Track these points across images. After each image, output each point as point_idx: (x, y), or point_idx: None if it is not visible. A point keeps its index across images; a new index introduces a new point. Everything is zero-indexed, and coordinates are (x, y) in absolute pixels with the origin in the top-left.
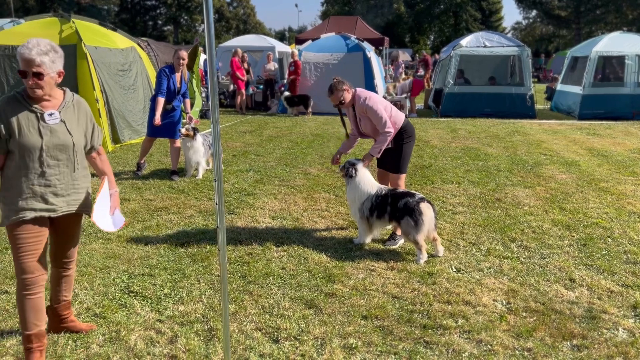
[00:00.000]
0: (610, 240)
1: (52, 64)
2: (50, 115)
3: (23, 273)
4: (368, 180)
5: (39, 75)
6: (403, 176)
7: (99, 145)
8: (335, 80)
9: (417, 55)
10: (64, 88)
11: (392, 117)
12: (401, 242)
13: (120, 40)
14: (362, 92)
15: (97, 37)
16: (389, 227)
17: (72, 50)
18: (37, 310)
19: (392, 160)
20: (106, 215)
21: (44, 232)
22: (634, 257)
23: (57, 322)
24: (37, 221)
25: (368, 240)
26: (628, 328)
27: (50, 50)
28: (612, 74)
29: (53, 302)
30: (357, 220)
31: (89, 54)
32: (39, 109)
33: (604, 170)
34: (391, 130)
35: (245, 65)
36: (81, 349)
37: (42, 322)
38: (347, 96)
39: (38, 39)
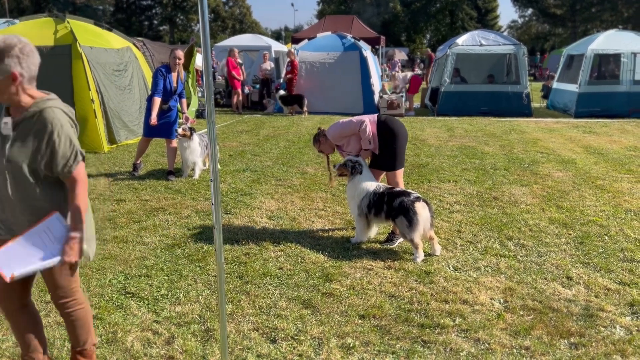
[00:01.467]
0: (607, 238)
1: None
2: (5, 124)
3: None
4: (368, 177)
5: None
6: (399, 172)
7: (67, 173)
8: (317, 131)
9: (417, 53)
10: (49, 95)
11: (360, 117)
12: (399, 241)
13: (115, 40)
14: (327, 130)
15: (93, 37)
16: (386, 225)
17: (67, 51)
18: (24, 334)
19: (384, 159)
20: (28, 253)
21: None
22: (630, 254)
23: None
24: None
25: (365, 238)
26: (625, 326)
27: None
28: (607, 72)
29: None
30: (355, 218)
31: (84, 54)
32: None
33: (601, 168)
34: (363, 119)
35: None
36: None
37: (32, 352)
38: (325, 147)
39: None
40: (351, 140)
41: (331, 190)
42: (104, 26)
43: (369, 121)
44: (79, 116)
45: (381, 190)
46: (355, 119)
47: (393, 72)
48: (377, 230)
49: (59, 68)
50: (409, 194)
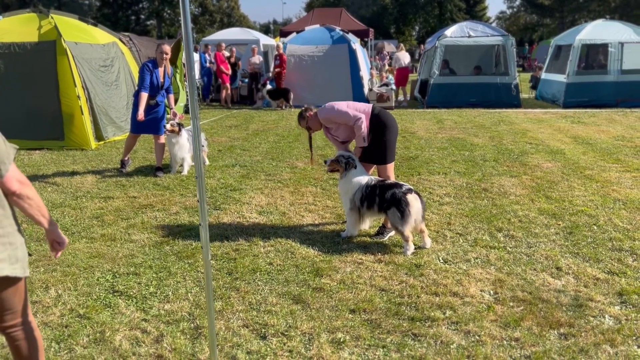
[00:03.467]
0: (595, 227)
1: None
2: None
3: None
4: (361, 172)
5: None
6: (390, 166)
7: None
8: (302, 108)
9: (407, 45)
10: None
11: (356, 109)
12: (390, 234)
13: (101, 36)
14: (320, 109)
15: (77, 32)
16: (378, 218)
17: (51, 47)
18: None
19: (375, 152)
20: None
21: None
22: (619, 244)
23: None
24: None
25: (356, 232)
26: (614, 315)
27: None
28: (595, 62)
29: None
30: (347, 212)
31: (69, 49)
32: None
33: (589, 158)
34: (360, 115)
35: (233, 59)
36: (65, 351)
37: None
38: (313, 123)
39: None
40: (340, 127)
41: (321, 184)
42: (89, 21)
43: (365, 116)
44: (65, 113)
45: (373, 183)
46: (352, 111)
47: (384, 62)
48: (369, 224)
49: (44, 64)
50: (400, 186)
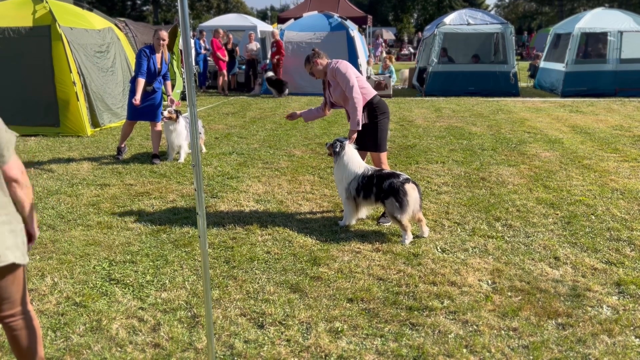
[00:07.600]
0: (593, 217)
1: None
2: None
3: None
4: (355, 160)
5: None
6: (384, 154)
7: None
8: (312, 51)
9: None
10: None
11: (362, 88)
12: (387, 224)
13: (96, 21)
14: (336, 60)
15: (73, 17)
16: (375, 207)
17: (46, 32)
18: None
19: (369, 139)
20: None
21: None
22: (617, 234)
23: None
24: None
25: (353, 221)
26: (612, 305)
27: None
28: (594, 51)
29: None
30: (344, 201)
31: (64, 35)
32: None
33: (587, 148)
34: (358, 95)
35: (230, 46)
36: (61, 340)
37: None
38: (317, 69)
39: None
40: (338, 88)
41: (319, 172)
42: (85, 6)
43: (362, 99)
44: (60, 99)
45: (370, 172)
46: (356, 88)
47: (378, 52)
48: (367, 213)
49: (39, 49)
50: (398, 176)
